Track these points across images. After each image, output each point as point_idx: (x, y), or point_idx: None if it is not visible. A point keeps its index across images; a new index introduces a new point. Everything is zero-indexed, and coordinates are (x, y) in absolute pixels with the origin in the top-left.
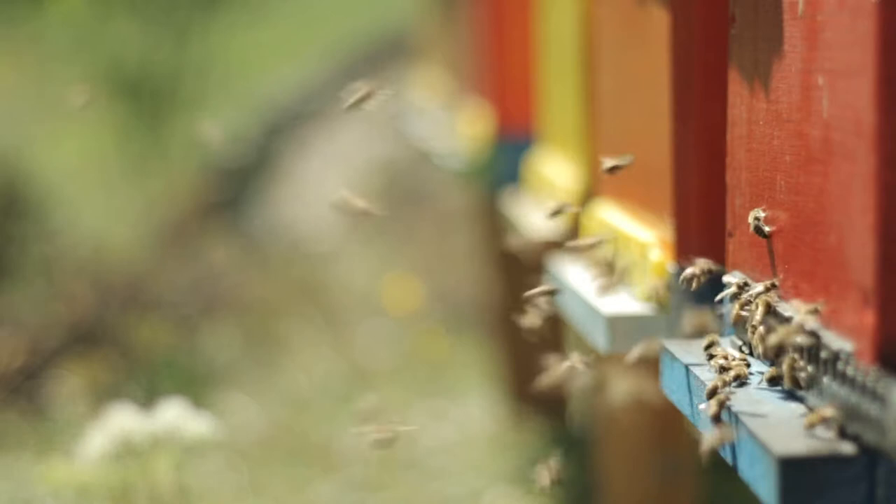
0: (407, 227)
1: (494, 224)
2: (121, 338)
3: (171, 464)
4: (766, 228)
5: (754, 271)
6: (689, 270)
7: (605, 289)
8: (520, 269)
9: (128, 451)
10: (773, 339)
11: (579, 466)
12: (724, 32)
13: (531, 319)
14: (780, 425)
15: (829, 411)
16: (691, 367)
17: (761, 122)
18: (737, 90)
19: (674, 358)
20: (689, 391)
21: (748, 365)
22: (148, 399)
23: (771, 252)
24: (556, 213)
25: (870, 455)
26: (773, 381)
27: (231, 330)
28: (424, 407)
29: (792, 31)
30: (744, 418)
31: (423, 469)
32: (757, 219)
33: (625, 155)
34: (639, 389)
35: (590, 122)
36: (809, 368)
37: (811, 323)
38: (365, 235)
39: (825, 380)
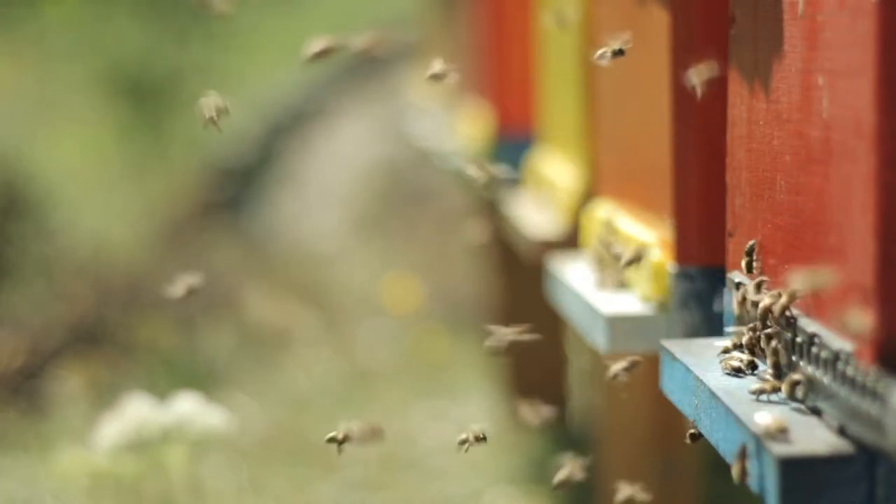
0: (407, 227)
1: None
2: (121, 338)
3: (183, 456)
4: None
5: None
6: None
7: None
8: (520, 268)
9: (141, 442)
10: (762, 304)
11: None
12: (724, 32)
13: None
14: None
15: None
16: (691, 367)
17: (761, 122)
18: (737, 90)
19: (674, 358)
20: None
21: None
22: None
23: (758, 253)
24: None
25: (870, 455)
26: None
27: (231, 330)
28: (424, 407)
29: (792, 31)
30: (743, 419)
31: (423, 469)
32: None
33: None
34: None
35: (590, 122)
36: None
37: (795, 298)
38: (365, 235)
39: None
